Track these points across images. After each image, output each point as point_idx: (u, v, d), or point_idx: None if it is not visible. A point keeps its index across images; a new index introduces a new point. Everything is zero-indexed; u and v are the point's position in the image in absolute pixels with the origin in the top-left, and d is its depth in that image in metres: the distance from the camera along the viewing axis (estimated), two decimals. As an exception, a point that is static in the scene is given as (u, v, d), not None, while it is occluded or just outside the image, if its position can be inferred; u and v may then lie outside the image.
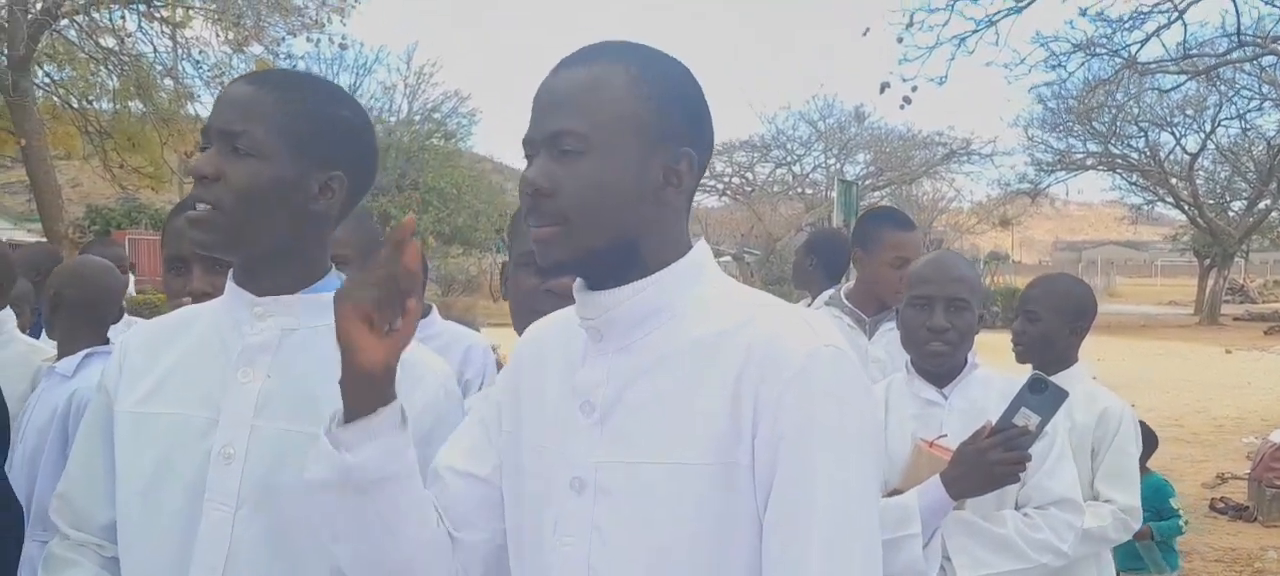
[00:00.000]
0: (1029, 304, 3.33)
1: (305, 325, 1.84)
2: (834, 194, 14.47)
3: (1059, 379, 2.77)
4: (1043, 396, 2.53)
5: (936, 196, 47.05)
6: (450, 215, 29.46)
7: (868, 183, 41.24)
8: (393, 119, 31.18)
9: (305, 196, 1.82)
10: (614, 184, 1.52)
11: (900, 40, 15.73)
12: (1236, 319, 38.45)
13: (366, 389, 1.51)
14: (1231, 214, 41.66)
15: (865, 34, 15.49)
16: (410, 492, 1.58)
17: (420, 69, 32.51)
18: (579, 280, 1.60)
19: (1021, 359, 3.33)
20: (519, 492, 1.65)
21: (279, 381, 1.82)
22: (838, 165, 41.57)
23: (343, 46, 22.27)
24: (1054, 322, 3.30)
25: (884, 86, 15.57)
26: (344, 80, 30.03)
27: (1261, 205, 40.22)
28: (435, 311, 3.98)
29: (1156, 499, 4.33)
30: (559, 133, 1.52)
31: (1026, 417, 2.51)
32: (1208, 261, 41.19)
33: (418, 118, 31.62)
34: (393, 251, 1.50)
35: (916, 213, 36.31)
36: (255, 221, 1.78)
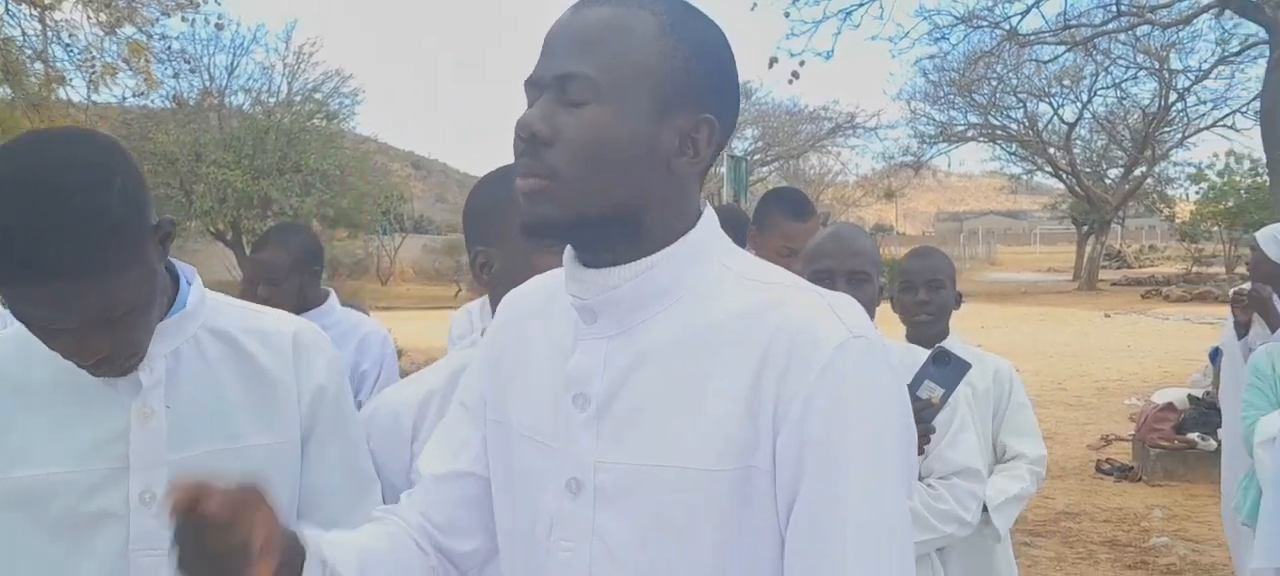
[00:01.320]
0: (932, 274, 3.40)
1: (183, 340, 1.76)
2: (723, 170, 14.46)
3: (944, 346, 2.80)
4: (946, 369, 2.55)
5: (823, 170, 47.69)
6: (334, 198, 28.87)
7: (756, 158, 41.58)
8: (272, 100, 30.49)
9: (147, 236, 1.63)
10: (620, 141, 1.33)
11: (787, 15, 15.84)
12: (1114, 284, 39.69)
13: None
14: (1108, 182, 42.86)
15: (753, 9, 15.57)
16: None
17: (300, 48, 31.84)
18: (569, 251, 1.43)
19: (929, 329, 3.37)
20: (510, 487, 1.50)
21: (181, 408, 1.73)
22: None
23: (219, 26, 21.66)
24: (951, 291, 3.42)
25: (772, 61, 15.68)
26: (220, 61, 29.31)
27: (1137, 172, 41.46)
28: (334, 297, 3.84)
29: None
30: (567, 75, 1.34)
31: (930, 390, 2.51)
32: (1085, 228, 42.36)
33: (298, 98, 30.93)
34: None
35: (804, 186, 36.62)
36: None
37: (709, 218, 1.43)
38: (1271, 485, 2.73)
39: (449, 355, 2.21)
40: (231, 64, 29.96)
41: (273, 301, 3.42)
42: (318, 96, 31.36)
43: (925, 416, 2.50)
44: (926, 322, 3.38)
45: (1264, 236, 4.93)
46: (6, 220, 1.46)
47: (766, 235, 3.86)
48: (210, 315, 1.80)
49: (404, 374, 4.65)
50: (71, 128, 1.68)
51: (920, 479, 2.72)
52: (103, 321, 1.55)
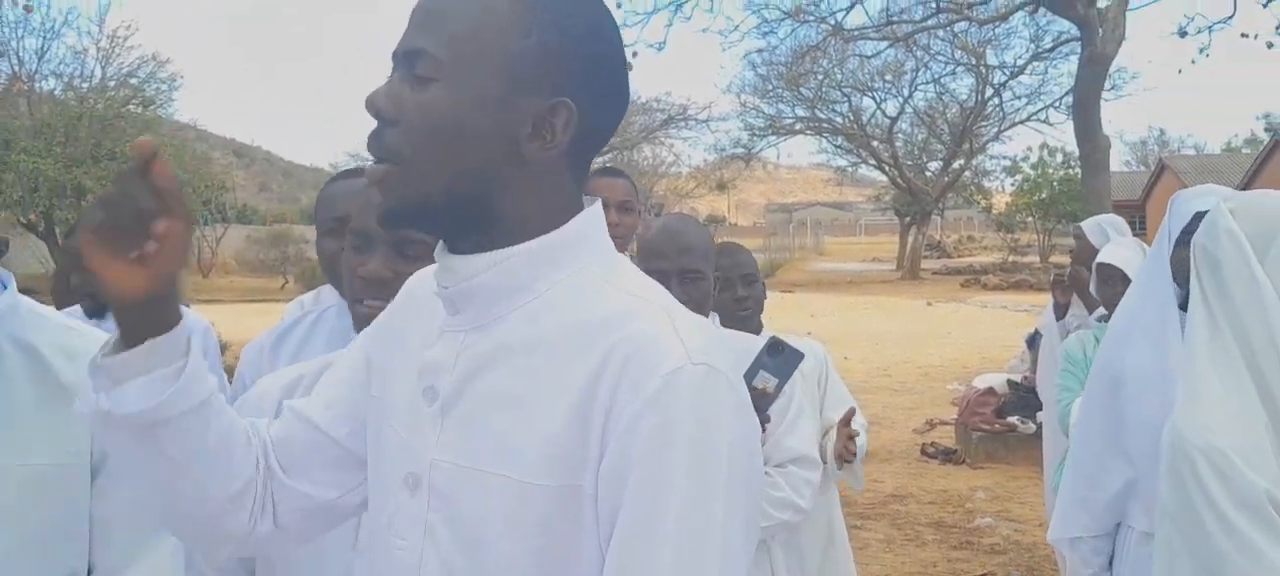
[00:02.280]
0: (746, 269, 3.47)
1: None
2: (556, 159, 14.39)
3: (777, 336, 2.82)
4: (780, 359, 2.55)
5: (656, 161, 48.05)
6: (152, 187, 27.92)
7: (589, 148, 41.64)
8: (85, 86, 29.26)
9: None
10: (461, 122, 1.26)
11: (619, 5, 15.87)
12: (935, 273, 41.11)
13: (134, 320, 1.28)
14: (928, 174, 44.36)
15: (585, -3, 15.55)
16: (195, 437, 1.34)
17: (114, 32, 30.66)
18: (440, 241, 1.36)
19: (751, 323, 3.43)
20: (374, 473, 1.44)
21: None
22: (559, 131, 41.72)
23: (27, 9, 20.64)
24: (761, 285, 3.53)
25: (605, 50, 15.67)
26: (30, 45, 27.98)
27: (955, 165, 43.05)
28: None
29: None
30: (415, 51, 1.28)
31: (765, 380, 2.52)
32: (908, 219, 43.76)
33: (113, 83, 29.75)
34: (137, 170, 1.22)
35: (637, 177, 36.89)
36: None
37: (588, 216, 1.35)
38: (1069, 463, 2.89)
39: (326, 357, 2.10)
40: (41, 48, 28.70)
41: (84, 289, 3.23)
42: (133, 82, 30.21)
43: (761, 405, 2.49)
44: (747, 317, 3.43)
45: (1089, 225, 5.18)
46: None
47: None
48: (18, 326, 1.70)
49: (228, 369, 4.46)
50: None
51: None
52: None
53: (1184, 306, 2.57)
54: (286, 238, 39.50)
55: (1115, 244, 4.32)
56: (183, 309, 4.20)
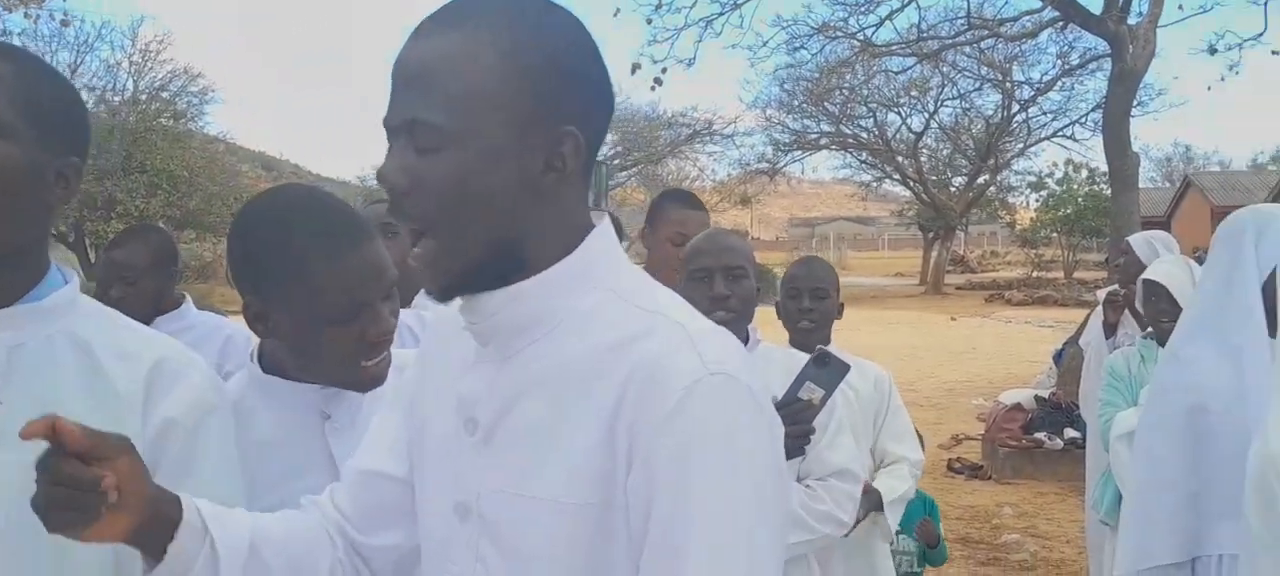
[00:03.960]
0: (817, 281, 3.44)
1: (33, 337, 1.60)
2: (583, 174, 14.41)
3: (825, 348, 2.83)
4: (826, 370, 2.57)
5: (681, 176, 47.96)
6: (181, 199, 28.08)
7: (616, 162, 41.72)
8: (117, 98, 29.50)
9: (44, 186, 1.57)
10: (482, 183, 1.28)
11: (650, 21, 15.94)
12: (959, 288, 40.93)
13: (143, 542, 1.35)
14: (953, 189, 44.16)
15: (616, 15, 15.65)
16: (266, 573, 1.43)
17: (147, 45, 30.92)
18: None
19: (811, 336, 3.37)
20: (421, 501, 1.49)
21: (14, 407, 1.52)
22: (585, 145, 41.72)
23: (64, 23, 20.73)
24: (835, 301, 3.46)
25: (635, 67, 15.75)
26: (62, 59, 28.19)
27: (980, 180, 42.88)
28: (189, 302, 3.73)
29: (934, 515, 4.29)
30: (413, 122, 1.28)
31: (811, 391, 2.54)
32: (931, 234, 43.61)
33: (144, 96, 30.01)
34: (51, 456, 1.24)
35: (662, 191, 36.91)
36: None
37: (600, 233, 1.38)
38: (1129, 488, 2.80)
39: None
40: (75, 61, 28.93)
41: (127, 301, 3.31)
42: (165, 95, 30.45)
43: (805, 417, 2.53)
44: (809, 330, 3.41)
45: (1137, 241, 5.16)
46: None
47: (657, 227, 3.88)
48: (77, 322, 1.66)
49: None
50: None
51: (799, 480, 2.76)
52: None
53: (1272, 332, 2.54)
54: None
55: (1162, 261, 4.31)
56: (220, 319, 4.17)
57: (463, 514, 1.37)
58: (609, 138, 44.51)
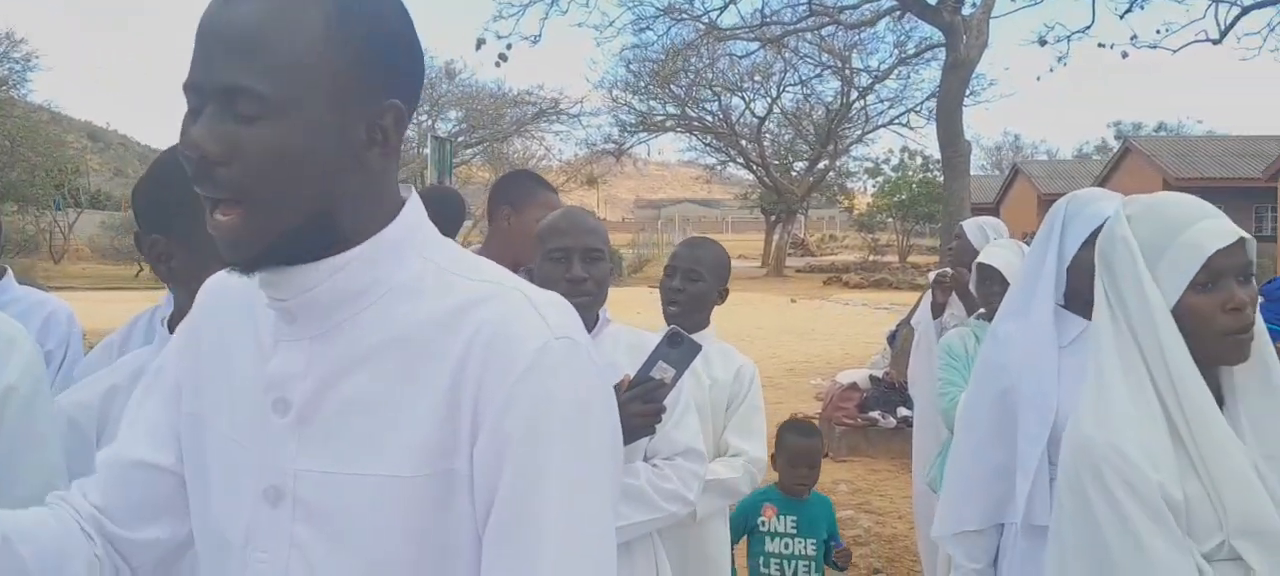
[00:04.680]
0: (691, 263, 3.39)
1: None
2: (427, 151, 14.28)
3: (698, 337, 2.80)
4: (679, 350, 2.55)
5: (527, 155, 47.75)
6: (3, 170, 26.81)
7: (460, 140, 41.26)
8: (-69, 63, 28.04)
9: None
10: (305, 153, 1.23)
11: (495, -4, 15.81)
12: (799, 271, 41.79)
13: None
14: (794, 174, 45.05)
15: (460, -13, 15.44)
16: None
17: (-38, 8, 29.46)
18: None
19: (674, 318, 3.34)
20: (205, 485, 1.40)
21: None
22: (429, 122, 41.27)
23: None
24: (711, 283, 3.39)
25: (480, 42, 15.59)
26: None
27: (820, 165, 43.83)
28: (10, 276, 3.55)
29: (831, 519, 4.24)
30: (232, 88, 1.21)
31: (663, 370, 2.53)
32: (773, 218, 44.43)
33: (-40, 62, 28.62)
34: None
35: (508, 170, 36.73)
36: None
37: (412, 208, 1.36)
38: (951, 459, 2.91)
39: (134, 353, 2.06)
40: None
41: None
42: (-16, 61, 28.95)
43: (657, 396, 2.52)
44: (676, 313, 3.39)
45: (969, 226, 5.29)
46: None
47: (524, 209, 3.79)
48: None
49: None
50: None
51: (646, 459, 2.75)
52: None
53: (1067, 306, 2.65)
54: (142, 224, 38.13)
55: (995, 245, 4.42)
56: (43, 294, 4.04)
57: (274, 498, 1.30)
58: (453, 115, 44.11)
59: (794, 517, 4.10)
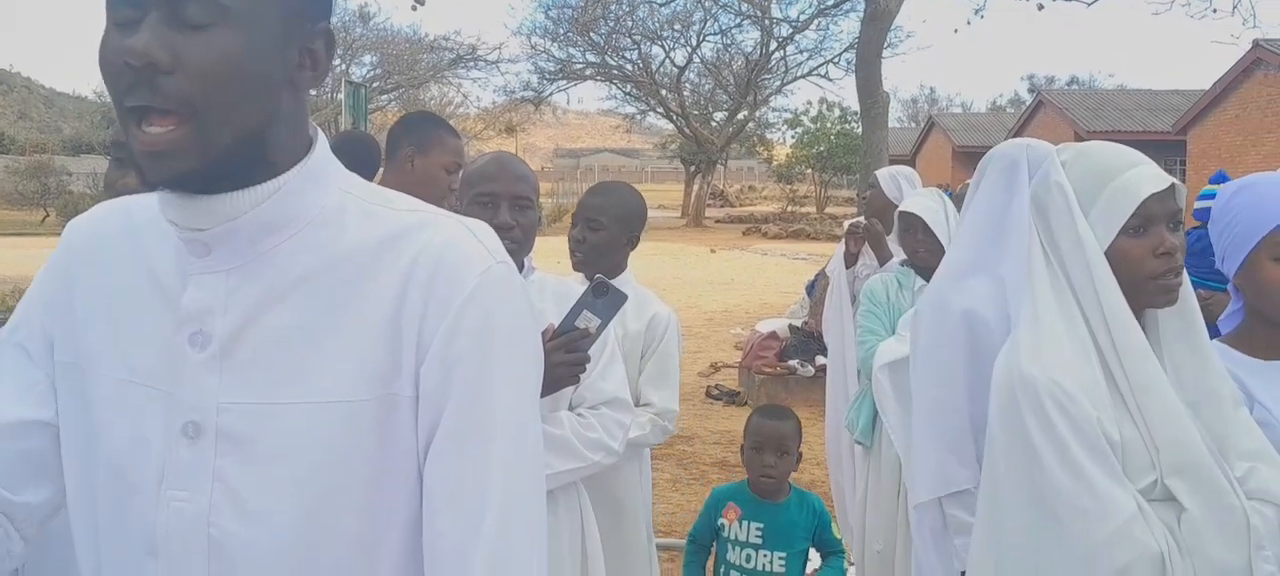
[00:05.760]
0: (592, 212, 3.30)
1: None
2: (341, 96, 14.05)
3: (603, 277, 2.78)
4: (604, 300, 2.54)
5: (444, 101, 47.27)
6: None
7: (375, 86, 40.67)
8: None
9: None
10: (254, 65, 1.21)
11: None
12: (718, 221, 41.97)
13: None
14: (714, 124, 45.07)
15: (375, -71, 15.12)
16: None
17: None
18: None
19: (580, 266, 3.31)
20: (94, 437, 1.33)
21: None
22: (343, 67, 40.60)
23: None
24: (615, 231, 3.30)
25: (395, -16, 15.29)
26: None
27: (740, 116, 43.88)
28: None
29: (822, 526, 3.75)
30: None
31: (587, 320, 2.52)
32: (693, 168, 44.44)
33: None
34: None
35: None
36: None
37: (323, 140, 1.35)
38: (921, 418, 2.80)
39: None
40: None
41: None
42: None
43: (582, 346, 2.51)
44: (580, 260, 3.34)
45: (883, 176, 5.30)
46: None
47: (431, 153, 3.73)
48: None
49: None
50: None
51: (571, 408, 2.72)
52: None
53: None
54: (47, 169, 37.18)
55: (917, 194, 4.43)
56: None
57: (193, 434, 1.26)
58: (368, 60, 43.45)
59: (760, 525, 3.63)
